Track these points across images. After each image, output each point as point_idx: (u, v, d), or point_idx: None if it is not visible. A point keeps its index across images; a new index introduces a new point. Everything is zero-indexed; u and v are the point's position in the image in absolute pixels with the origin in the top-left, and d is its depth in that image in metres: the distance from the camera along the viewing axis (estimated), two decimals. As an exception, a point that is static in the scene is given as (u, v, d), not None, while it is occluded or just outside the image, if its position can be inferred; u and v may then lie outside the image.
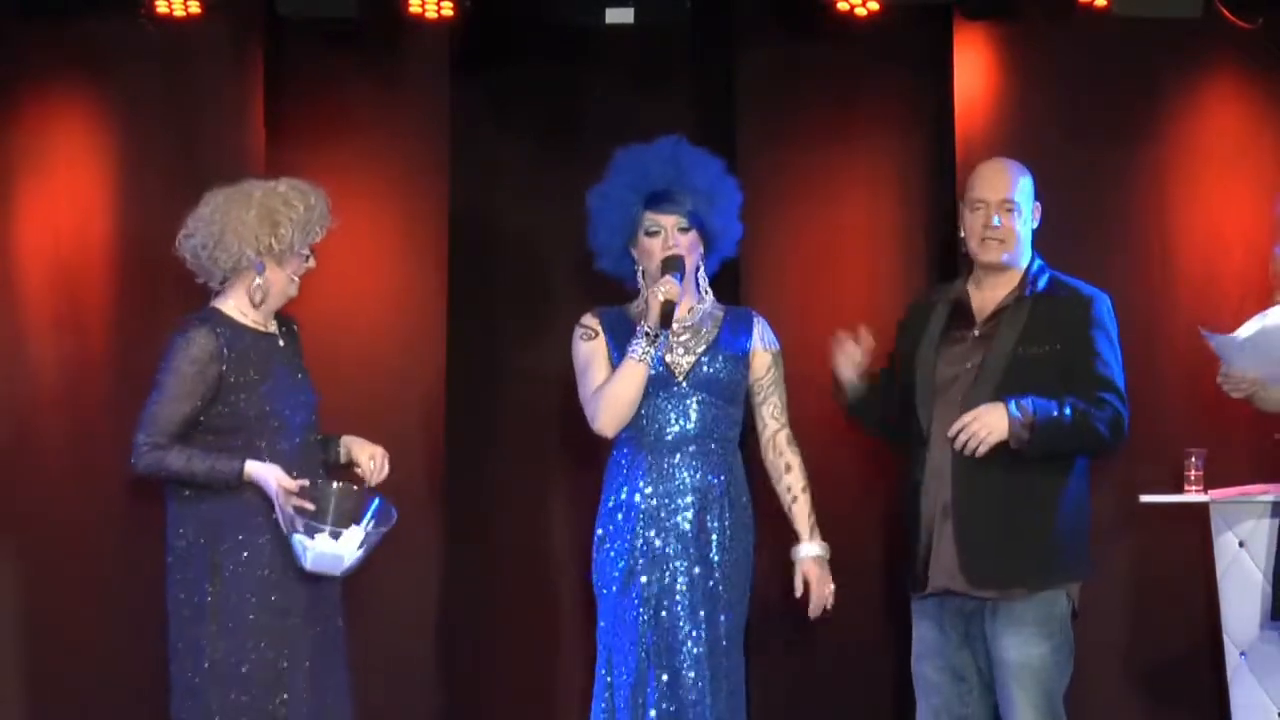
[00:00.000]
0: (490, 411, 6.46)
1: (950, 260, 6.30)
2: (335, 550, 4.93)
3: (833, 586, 5.42)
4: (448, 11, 6.17)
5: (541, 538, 6.46)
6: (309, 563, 4.94)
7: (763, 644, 6.16)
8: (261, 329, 5.06)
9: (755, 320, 5.47)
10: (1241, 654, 5.96)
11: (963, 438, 5.30)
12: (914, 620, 5.51)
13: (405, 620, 6.26)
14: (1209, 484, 5.99)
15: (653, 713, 5.21)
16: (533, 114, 6.47)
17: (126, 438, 5.15)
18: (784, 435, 5.47)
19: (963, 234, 5.52)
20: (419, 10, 6.16)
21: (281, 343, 5.10)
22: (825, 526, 6.16)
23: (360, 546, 4.96)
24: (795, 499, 5.43)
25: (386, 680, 6.20)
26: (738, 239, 5.51)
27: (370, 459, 5.16)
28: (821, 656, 6.30)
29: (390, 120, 6.35)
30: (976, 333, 5.44)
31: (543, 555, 6.43)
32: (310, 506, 4.90)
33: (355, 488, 5.06)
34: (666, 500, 5.29)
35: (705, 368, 5.33)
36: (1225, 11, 6.25)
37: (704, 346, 5.35)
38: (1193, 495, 6.04)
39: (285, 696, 4.98)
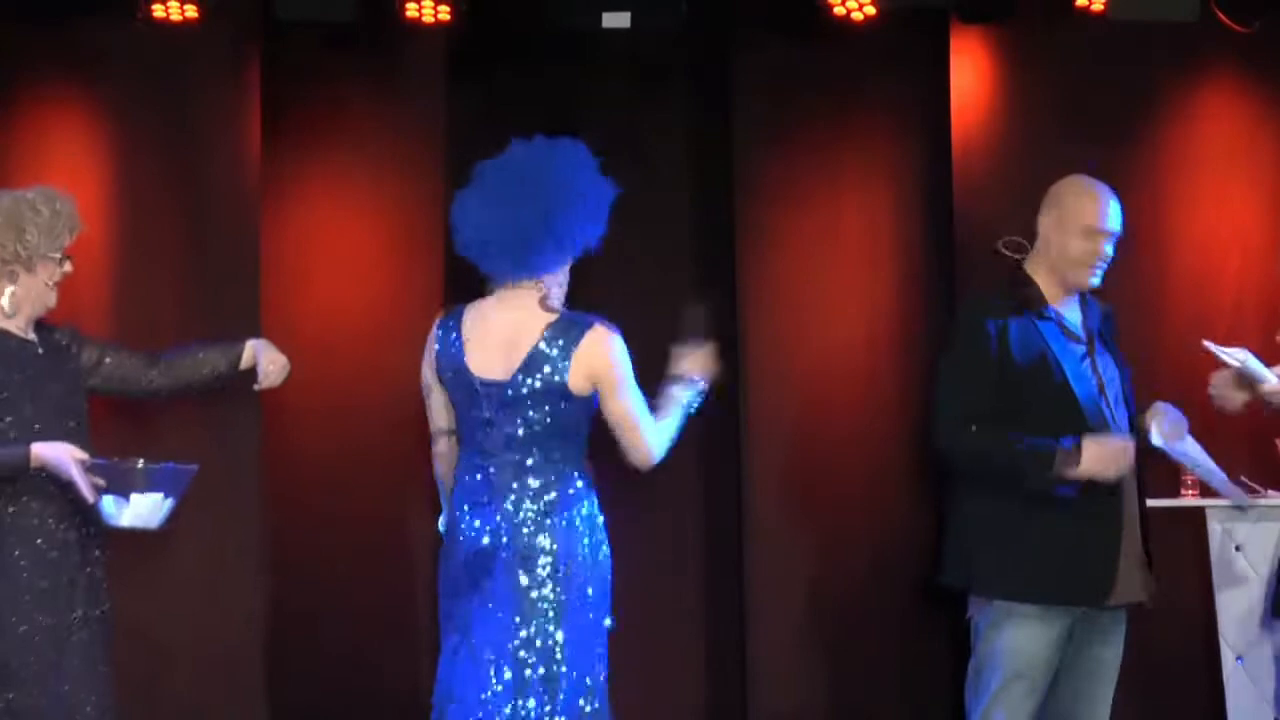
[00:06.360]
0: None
1: (946, 263, 6.30)
2: (152, 501, 4.92)
3: None
4: (445, 16, 6.19)
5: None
6: (125, 520, 4.91)
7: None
8: (22, 335, 5.09)
9: None
10: (1238, 658, 5.96)
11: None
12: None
13: (395, 619, 6.26)
14: (1205, 488, 6.00)
15: None
16: (529, 118, 6.39)
17: (119, 433, 5.40)
18: None
19: (1042, 249, 5.22)
20: (416, 15, 6.18)
21: (40, 351, 5.10)
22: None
23: (167, 499, 4.95)
24: None
25: (374, 678, 6.22)
26: None
27: (271, 364, 5.13)
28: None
29: (387, 124, 6.36)
30: (1083, 345, 5.25)
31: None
32: (102, 482, 4.88)
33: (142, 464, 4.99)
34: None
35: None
36: (1222, 15, 6.26)
37: None
38: (1189, 500, 6.05)
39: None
